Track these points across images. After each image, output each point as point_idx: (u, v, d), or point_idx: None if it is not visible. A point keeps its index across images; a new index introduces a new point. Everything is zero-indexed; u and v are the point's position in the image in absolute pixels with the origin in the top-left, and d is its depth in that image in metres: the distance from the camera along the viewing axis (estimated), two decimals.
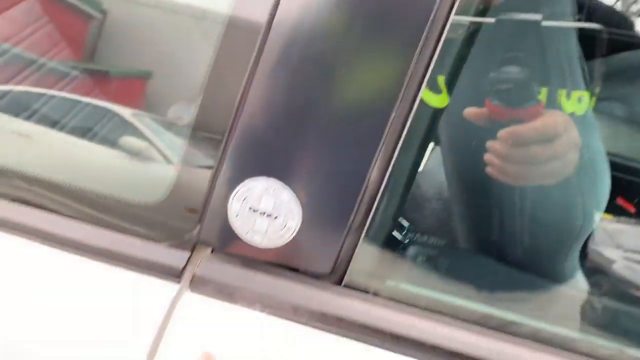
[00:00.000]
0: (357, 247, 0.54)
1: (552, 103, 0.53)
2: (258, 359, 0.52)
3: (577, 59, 0.54)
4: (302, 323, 0.53)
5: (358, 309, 0.52)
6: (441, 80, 0.57)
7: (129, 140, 0.58)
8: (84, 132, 0.59)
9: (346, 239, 0.52)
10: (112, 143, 0.59)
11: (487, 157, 0.52)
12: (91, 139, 0.59)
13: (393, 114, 0.47)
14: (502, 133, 0.51)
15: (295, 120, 0.49)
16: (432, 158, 0.60)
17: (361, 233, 0.53)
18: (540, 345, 0.52)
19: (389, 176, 0.51)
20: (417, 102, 0.48)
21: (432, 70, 0.48)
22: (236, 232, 0.53)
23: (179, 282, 0.56)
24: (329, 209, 0.51)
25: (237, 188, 0.51)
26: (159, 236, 0.57)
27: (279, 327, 0.53)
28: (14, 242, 0.58)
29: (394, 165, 0.52)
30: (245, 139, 0.50)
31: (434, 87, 0.57)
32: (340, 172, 0.50)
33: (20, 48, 0.63)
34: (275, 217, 0.51)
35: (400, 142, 0.51)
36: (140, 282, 0.56)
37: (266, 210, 0.51)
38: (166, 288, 0.55)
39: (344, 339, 0.52)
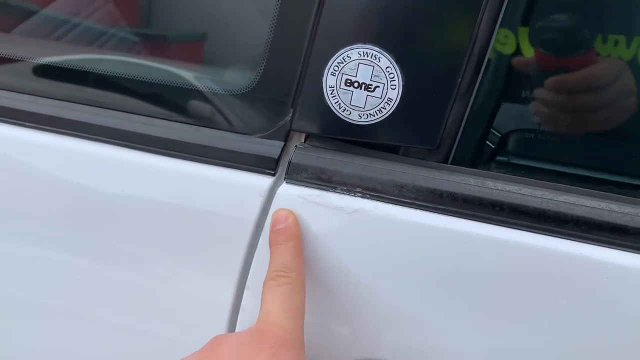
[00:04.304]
0: (465, 117, 0.49)
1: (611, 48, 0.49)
2: (366, 245, 0.49)
3: None
4: (409, 203, 0.49)
5: (469, 184, 0.48)
6: None
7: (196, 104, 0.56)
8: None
9: (452, 108, 0.48)
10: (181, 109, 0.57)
11: (534, 105, 0.51)
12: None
13: None
14: (548, 82, 0.50)
15: None
16: None
17: (469, 100, 0.48)
18: None
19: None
20: None
21: None
22: (332, 110, 0.49)
23: (274, 174, 0.53)
24: (432, 73, 0.47)
25: (331, 60, 0.48)
26: (249, 128, 0.54)
27: (383, 209, 0.49)
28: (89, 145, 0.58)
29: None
30: (338, 5, 0.47)
31: None
32: (443, 29, 0.45)
33: (78, 18, 0.63)
34: (374, 88, 0.47)
35: None
36: (232, 178, 0.54)
37: (364, 81, 0.47)
38: (261, 181, 0.53)
39: (455, 218, 0.48)
